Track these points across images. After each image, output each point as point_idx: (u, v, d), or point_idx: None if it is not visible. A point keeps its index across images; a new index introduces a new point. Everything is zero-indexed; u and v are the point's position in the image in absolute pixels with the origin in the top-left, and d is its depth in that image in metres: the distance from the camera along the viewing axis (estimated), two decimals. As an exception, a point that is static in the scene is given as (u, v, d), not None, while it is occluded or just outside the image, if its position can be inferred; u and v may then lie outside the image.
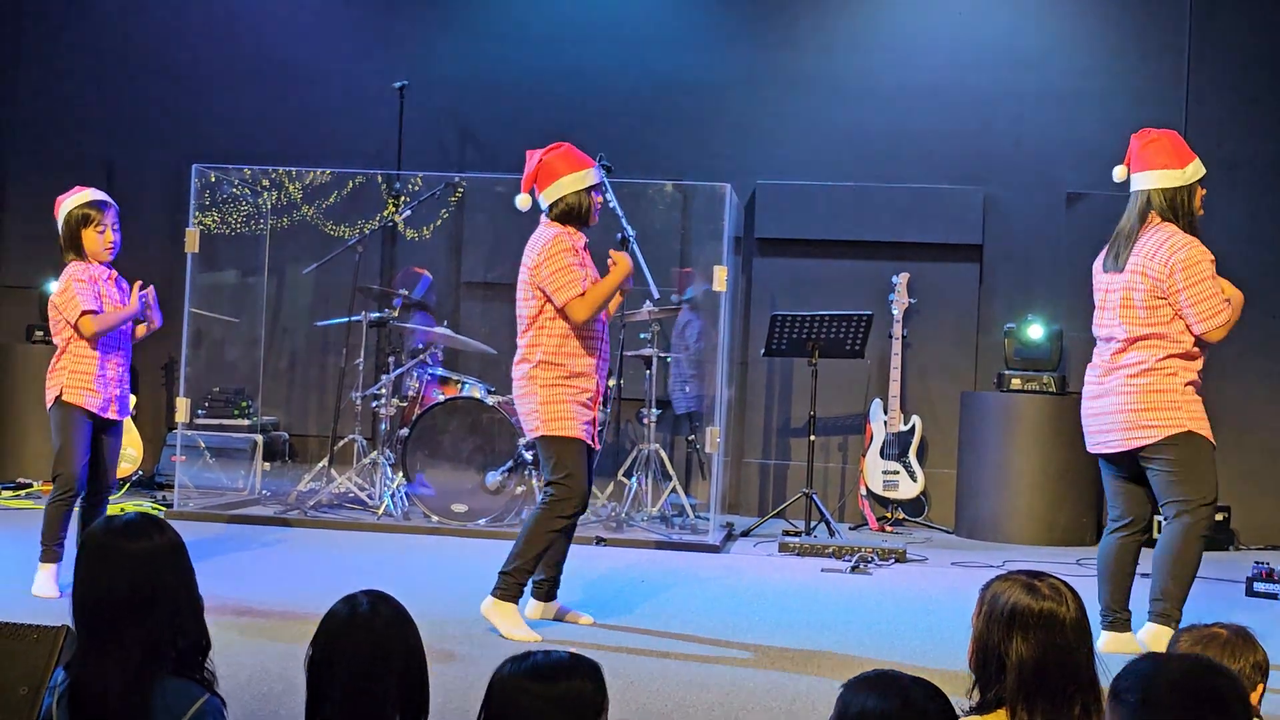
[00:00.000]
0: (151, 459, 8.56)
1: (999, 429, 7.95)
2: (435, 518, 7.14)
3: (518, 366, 4.85)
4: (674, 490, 7.53)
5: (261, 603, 5.00)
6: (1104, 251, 4.87)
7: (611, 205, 7.24)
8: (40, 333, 8.51)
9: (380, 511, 7.29)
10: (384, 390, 7.62)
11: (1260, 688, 2.90)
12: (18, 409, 8.31)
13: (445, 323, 7.89)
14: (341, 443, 7.89)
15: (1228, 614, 3.56)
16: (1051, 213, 8.50)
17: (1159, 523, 4.82)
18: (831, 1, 8.95)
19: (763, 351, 7.92)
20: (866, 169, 8.70)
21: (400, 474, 7.33)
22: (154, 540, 2.45)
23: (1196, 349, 4.69)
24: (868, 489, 8.32)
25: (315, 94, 9.17)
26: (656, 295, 7.52)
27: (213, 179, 8.05)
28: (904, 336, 8.35)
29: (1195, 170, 4.73)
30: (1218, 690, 2.17)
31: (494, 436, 7.23)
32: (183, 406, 7.57)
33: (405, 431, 7.33)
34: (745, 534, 7.58)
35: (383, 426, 7.61)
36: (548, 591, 4.98)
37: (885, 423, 8.31)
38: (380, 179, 8.40)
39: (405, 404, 7.70)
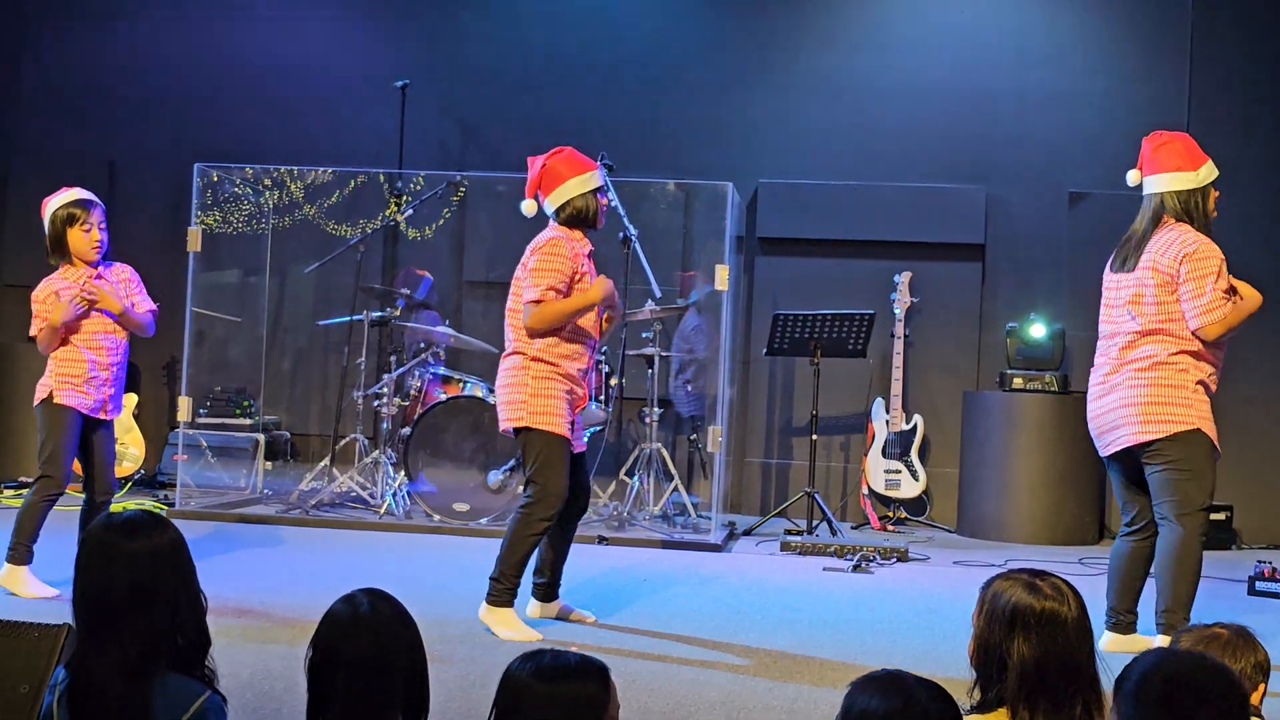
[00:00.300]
0: (153, 458, 8.57)
1: (1001, 428, 7.95)
2: (437, 517, 7.14)
3: (507, 358, 4.77)
4: (676, 489, 7.53)
5: (263, 602, 5.00)
6: (1115, 253, 4.84)
7: (613, 205, 7.23)
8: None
9: (382, 511, 7.29)
10: (386, 389, 7.63)
11: (1261, 688, 2.90)
12: (18, 408, 8.30)
13: (447, 321, 7.90)
14: (343, 442, 7.89)
15: (1229, 613, 3.56)
16: (1054, 212, 8.49)
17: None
18: (836, 1, 8.95)
19: (765, 351, 7.92)
20: (869, 168, 8.70)
21: (402, 473, 7.33)
22: (154, 538, 2.46)
23: (1211, 353, 4.65)
24: (870, 488, 8.31)
25: (317, 93, 9.17)
26: (659, 294, 7.51)
27: (215, 178, 8.05)
28: (906, 336, 8.35)
29: (1209, 172, 4.72)
30: (1212, 686, 2.17)
31: (496, 435, 7.21)
32: (184, 405, 7.58)
33: (407, 431, 7.33)
34: (747, 533, 7.58)
35: (384, 426, 7.61)
36: (545, 593, 4.96)
37: (887, 422, 8.31)
38: (382, 178, 8.40)
39: (407, 403, 7.71)
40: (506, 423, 4.74)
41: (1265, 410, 8.33)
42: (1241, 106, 8.45)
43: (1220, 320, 4.57)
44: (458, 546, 6.64)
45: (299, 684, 2.46)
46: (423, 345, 7.80)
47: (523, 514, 4.66)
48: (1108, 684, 2.44)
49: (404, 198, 8.28)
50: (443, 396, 7.43)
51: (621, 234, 7.18)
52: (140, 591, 2.39)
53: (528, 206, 4.91)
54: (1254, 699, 2.83)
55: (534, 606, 4.94)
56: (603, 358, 7.47)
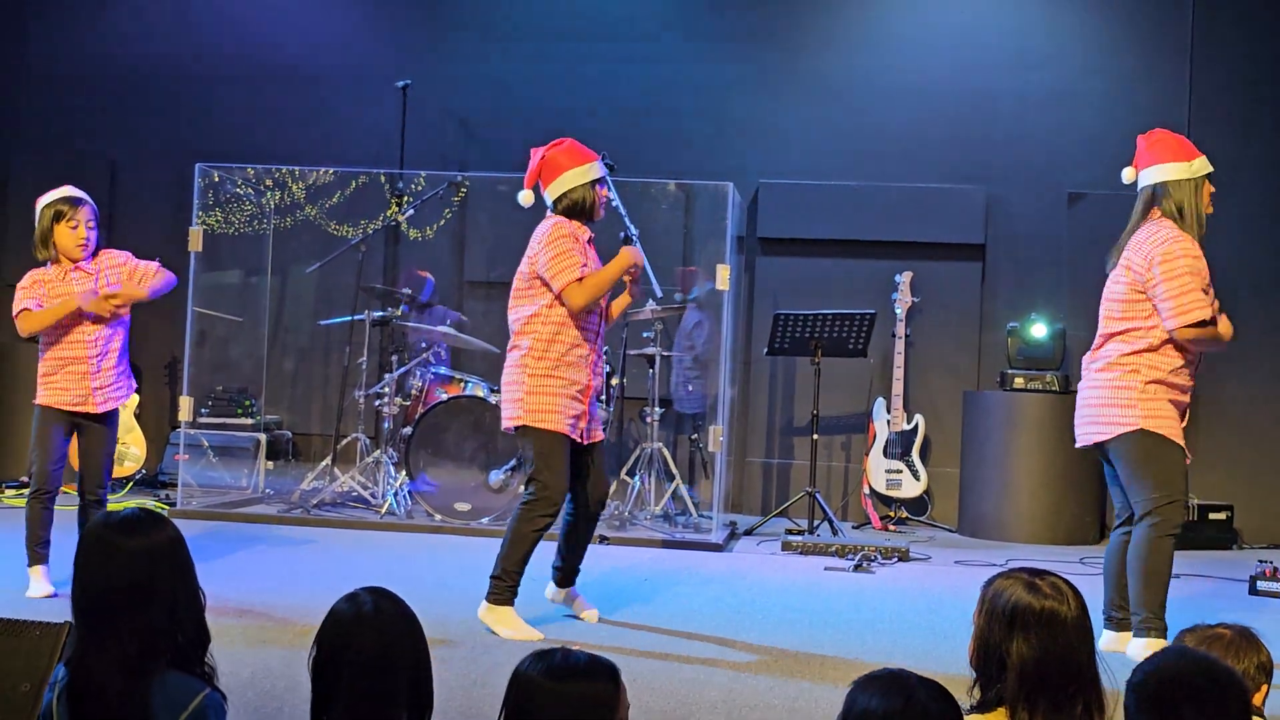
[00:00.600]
0: (155, 458, 8.57)
1: (1002, 428, 7.95)
2: (438, 516, 7.14)
3: (509, 355, 4.80)
4: (677, 489, 7.53)
5: (264, 601, 5.00)
6: (1110, 252, 4.85)
7: (614, 204, 7.23)
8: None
9: (383, 510, 7.30)
10: (387, 389, 7.63)
11: (1264, 688, 2.90)
12: (18, 408, 8.31)
13: (448, 321, 7.90)
14: (344, 441, 7.90)
15: (1231, 613, 3.56)
16: (1054, 212, 8.50)
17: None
18: (836, 1, 8.95)
19: (765, 350, 7.92)
20: (869, 168, 8.71)
21: (403, 473, 7.33)
22: (151, 535, 2.45)
23: (1175, 348, 4.56)
24: (871, 488, 8.32)
25: (318, 93, 9.18)
26: (659, 294, 7.52)
27: (216, 178, 8.05)
28: (907, 335, 8.35)
29: (1202, 165, 4.67)
30: (1213, 689, 2.18)
31: (497, 435, 7.23)
32: (186, 405, 7.58)
33: (408, 430, 7.34)
34: (748, 533, 7.58)
35: (386, 425, 7.62)
36: (563, 578, 4.98)
37: (888, 421, 8.31)
38: (383, 178, 8.41)
39: (408, 403, 7.71)
40: (507, 421, 4.77)
41: (1265, 410, 8.33)
42: (1242, 107, 8.45)
43: (1197, 321, 4.48)
44: (459, 546, 6.64)
45: (300, 683, 2.46)
46: (424, 345, 7.81)
47: (523, 511, 4.67)
48: (1108, 683, 2.44)
49: (405, 198, 8.29)
50: (444, 396, 7.43)
51: (622, 234, 7.16)
52: (138, 589, 2.39)
53: (525, 196, 4.95)
54: (1256, 699, 2.83)
55: (552, 591, 5.00)
56: (603, 357, 7.47)
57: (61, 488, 5.26)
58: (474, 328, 8.31)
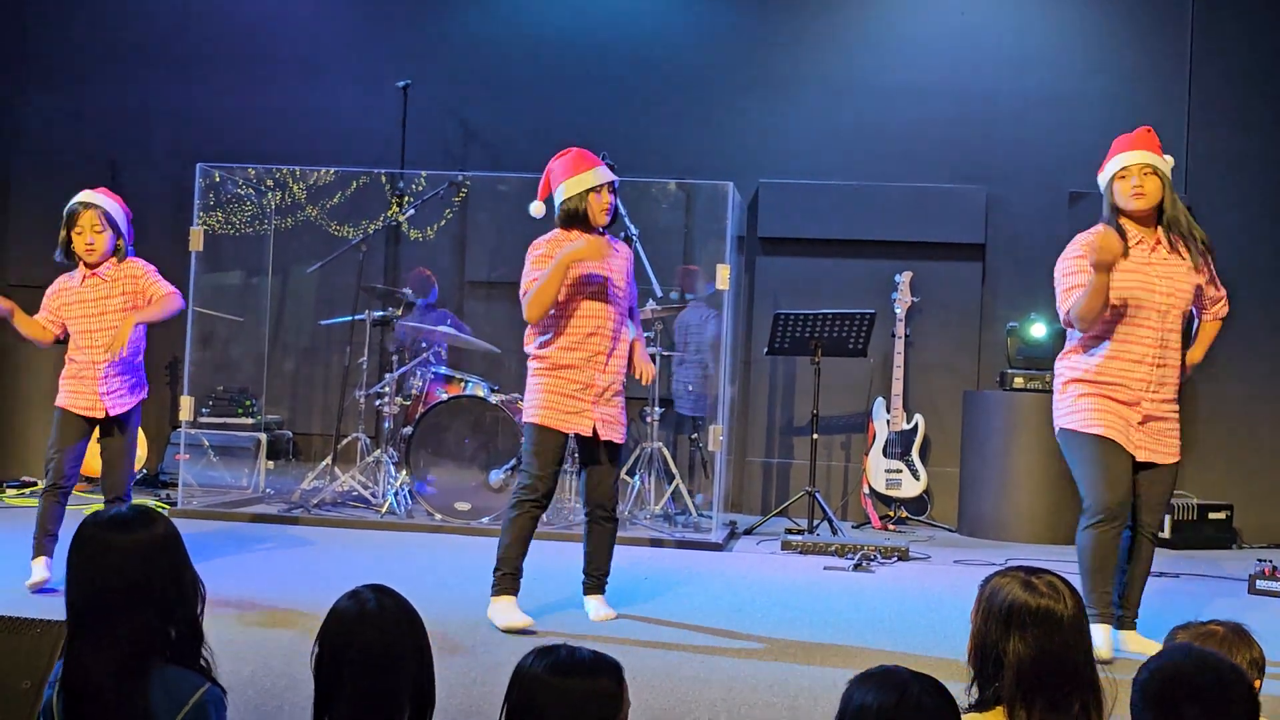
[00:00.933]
0: (156, 457, 8.59)
1: (1002, 427, 7.95)
2: (438, 516, 7.15)
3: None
4: (677, 488, 7.54)
5: (265, 600, 5.00)
6: None
7: (615, 204, 7.24)
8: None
9: (384, 510, 7.31)
10: (388, 389, 7.64)
11: (1257, 684, 2.90)
12: (21, 408, 8.34)
13: (449, 321, 7.91)
14: (345, 441, 7.91)
15: (1230, 612, 3.56)
16: (1054, 212, 8.49)
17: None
18: (836, 1, 8.96)
19: (765, 350, 7.92)
20: (869, 168, 8.71)
21: (404, 472, 7.34)
22: (143, 532, 2.45)
23: (1099, 344, 4.61)
24: (870, 487, 8.32)
25: (319, 93, 9.19)
26: (660, 294, 7.52)
27: (217, 178, 8.06)
28: (907, 335, 8.36)
29: (1115, 164, 4.68)
30: (1221, 684, 2.18)
31: (497, 435, 7.24)
32: (187, 405, 7.59)
33: (409, 430, 7.34)
34: (748, 532, 7.59)
35: (386, 425, 7.63)
36: (586, 586, 5.01)
37: (888, 421, 8.32)
38: (384, 178, 8.42)
39: (409, 402, 7.72)
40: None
41: (1265, 410, 8.34)
42: (1242, 106, 8.45)
43: (1069, 310, 4.58)
44: (459, 545, 6.65)
45: (301, 681, 2.47)
46: (424, 345, 7.82)
47: (512, 502, 4.84)
48: (1105, 682, 2.45)
49: (406, 198, 8.30)
50: (444, 396, 7.44)
51: (623, 234, 7.19)
52: (130, 586, 2.39)
53: (535, 208, 5.05)
54: (1251, 695, 2.84)
55: (586, 602, 4.99)
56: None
57: (75, 487, 5.35)
58: (474, 328, 8.32)
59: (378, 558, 6.20)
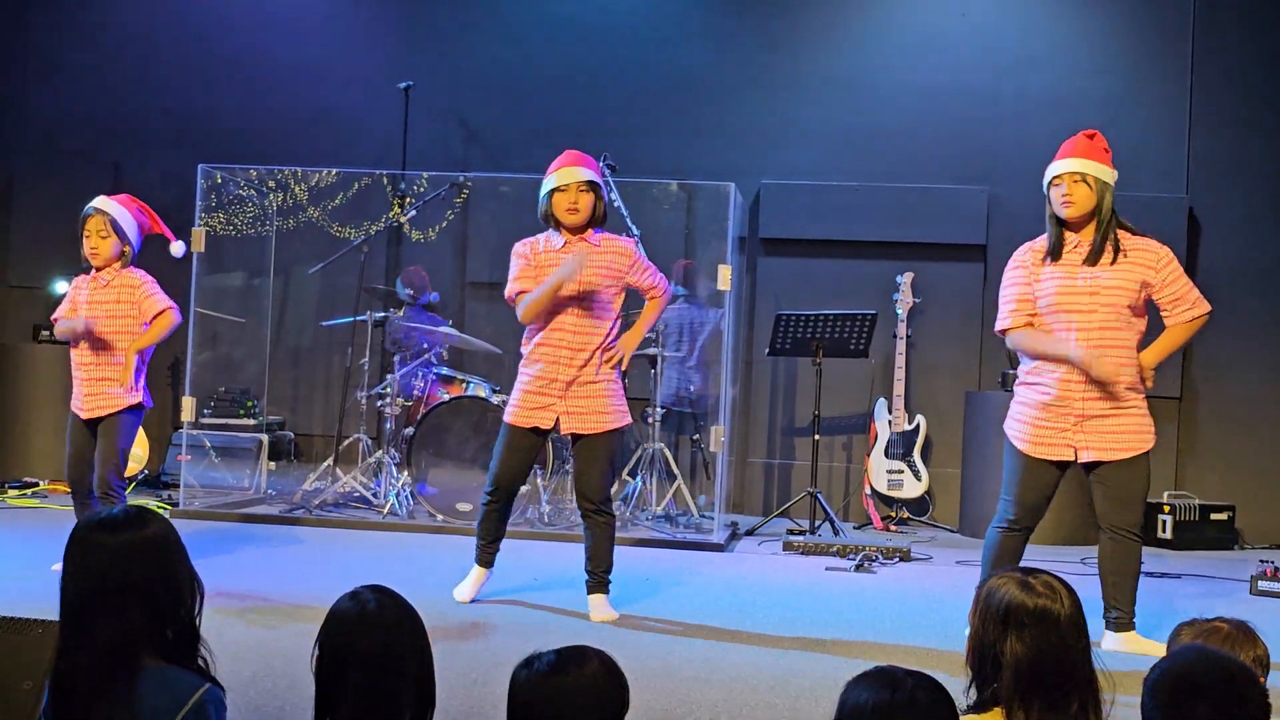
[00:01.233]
0: (157, 458, 8.59)
1: (1003, 429, 7.93)
2: (440, 516, 7.15)
3: None
4: (678, 489, 7.53)
5: (266, 601, 5.01)
6: None
7: (616, 204, 7.25)
8: (46, 333, 8.54)
9: (385, 510, 7.31)
10: (389, 390, 7.64)
11: (1261, 681, 2.90)
12: (24, 409, 8.33)
13: (451, 322, 7.91)
14: (346, 442, 7.91)
15: (1232, 614, 3.56)
16: (1056, 212, 8.49)
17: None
18: (838, 2, 8.96)
19: (767, 351, 7.92)
20: (871, 169, 8.71)
21: (405, 473, 7.34)
22: (133, 533, 2.44)
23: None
24: (872, 488, 8.32)
25: (321, 95, 9.19)
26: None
27: (219, 179, 8.07)
28: (908, 336, 8.36)
29: (1049, 171, 4.83)
30: (1232, 684, 2.18)
31: (498, 436, 7.23)
32: (188, 406, 7.59)
33: (410, 431, 7.34)
34: (750, 533, 7.59)
35: (388, 426, 7.63)
36: (594, 584, 5.04)
37: (890, 422, 8.32)
38: (385, 179, 8.42)
39: (410, 403, 7.72)
40: None
41: (1267, 410, 8.33)
42: (1243, 107, 8.45)
43: (998, 329, 4.95)
44: (461, 546, 6.63)
45: (302, 682, 2.47)
46: (426, 346, 7.82)
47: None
48: (1104, 682, 2.44)
49: (407, 199, 8.30)
50: (446, 397, 7.44)
51: (624, 234, 7.19)
52: (121, 586, 2.38)
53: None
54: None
55: (589, 602, 5.02)
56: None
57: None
58: (475, 328, 8.33)
59: (379, 559, 6.21)
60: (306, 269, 8.52)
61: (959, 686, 2.41)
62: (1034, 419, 4.70)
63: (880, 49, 8.84)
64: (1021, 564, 2.58)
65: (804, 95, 8.88)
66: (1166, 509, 7.82)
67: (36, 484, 8.12)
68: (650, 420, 7.55)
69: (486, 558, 5.18)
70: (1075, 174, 4.68)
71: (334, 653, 2.38)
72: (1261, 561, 6.33)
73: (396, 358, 7.86)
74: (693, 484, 8.10)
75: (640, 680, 4.01)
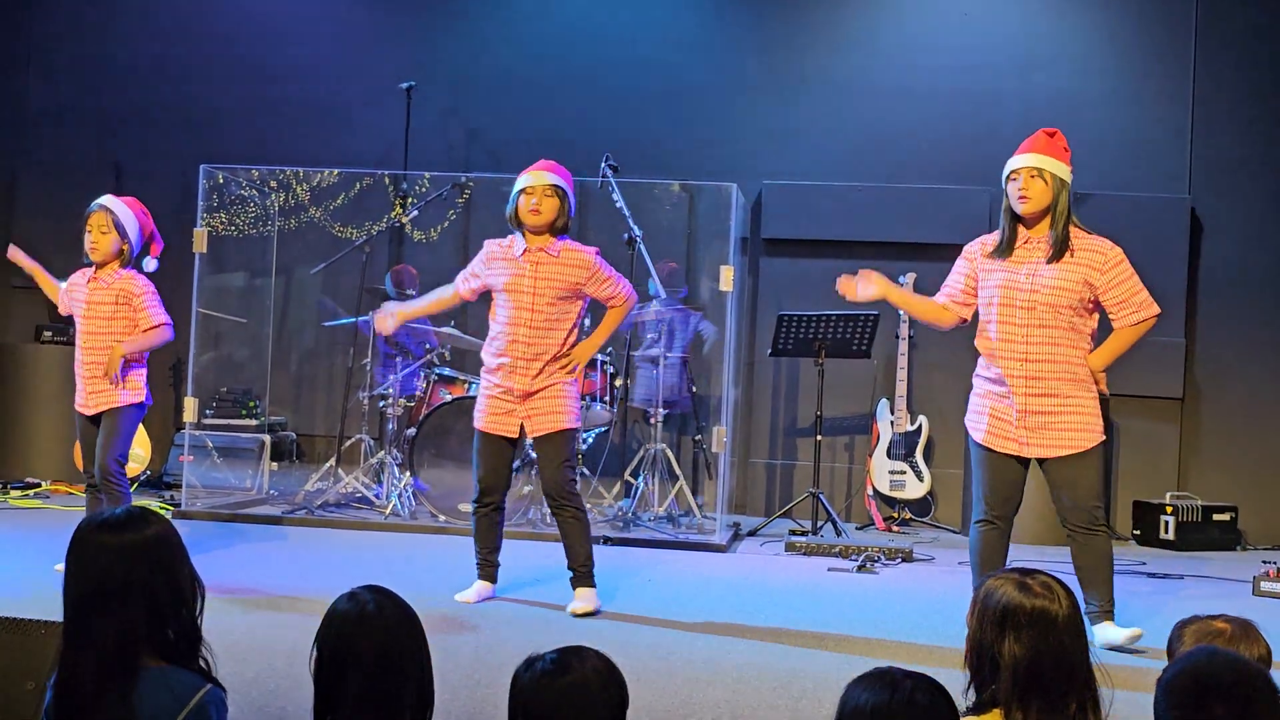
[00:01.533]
0: (159, 459, 8.59)
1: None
2: (442, 517, 7.15)
3: None
4: (680, 490, 7.53)
5: (268, 601, 5.01)
6: None
7: (618, 205, 7.25)
8: (48, 333, 8.55)
9: (387, 511, 7.31)
10: (391, 390, 7.64)
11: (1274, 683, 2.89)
12: (26, 409, 8.33)
13: (452, 322, 7.90)
14: (348, 442, 7.91)
15: (1234, 614, 3.55)
16: (1058, 213, 8.48)
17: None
18: (839, 3, 8.96)
19: (769, 351, 7.92)
20: (873, 169, 8.71)
21: (407, 473, 7.34)
22: (133, 533, 2.44)
23: (987, 345, 4.79)
24: (874, 489, 8.32)
25: (323, 95, 9.20)
26: (663, 295, 7.51)
27: (221, 180, 8.07)
28: (910, 336, 8.35)
29: (1007, 167, 4.87)
30: (1246, 685, 2.17)
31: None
32: (190, 406, 7.60)
33: (412, 431, 7.34)
34: (752, 534, 7.59)
35: (390, 426, 7.63)
36: (574, 578, 5.11)
37: (892, 423, 8.31)
38: (387, 180, 8.43)
39: (412, 404, 7.72)
40: None
41: (1269, 411, 8.32)
42: (1244, 107, 8.44)
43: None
44: (463, 547, 6.63)
45: (304, 682, 2.47)
46: (428, 346, 7.82)
47: None
48: (1103, 681, 2.44)
49: (409, 199, 8.30)
50: (448, 397, 7.44)
51: (626, 235, 7.19)
52: (121, 586, 2.38)
53: None
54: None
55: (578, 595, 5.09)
56: (607, 358, 7.47)
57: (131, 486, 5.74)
58: (476, 329, 8.31)
59: (381, 559, 6.21)
60: (308, 269, 8.52)
61: (960, 687, 2.40)
62: (987, 409, 4.75)
63: (882, 50, 8.84)
64: (1019, 565, 2.57)
65: (806, 96, 8.88)
66: (1169, 510, 7.81)
67: (39, 484, 8.12)
68: (652, 421, 7.55)
69: (488, 572, 5.23)
70: (1032, 169, 4.71)
71: (333, 654, 2.38)
72: (1264, 562, 6.33)
73: (399, 359, 7.86)
74: (695, 485, 8.09)
75: (642, 680, 4.01)
